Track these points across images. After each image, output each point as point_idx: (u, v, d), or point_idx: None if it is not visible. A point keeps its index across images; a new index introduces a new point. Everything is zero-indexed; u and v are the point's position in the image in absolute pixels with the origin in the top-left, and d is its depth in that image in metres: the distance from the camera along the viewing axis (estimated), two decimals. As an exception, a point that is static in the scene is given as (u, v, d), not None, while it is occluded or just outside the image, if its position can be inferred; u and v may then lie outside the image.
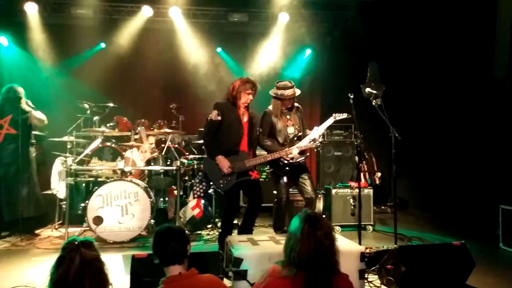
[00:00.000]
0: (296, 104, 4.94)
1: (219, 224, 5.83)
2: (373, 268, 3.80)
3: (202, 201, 5.86)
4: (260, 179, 6.08)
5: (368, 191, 6.04)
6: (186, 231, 5.53)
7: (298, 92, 4.82)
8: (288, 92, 4.73)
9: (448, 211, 6.72)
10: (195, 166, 6.39)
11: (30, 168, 5.75)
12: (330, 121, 4.83)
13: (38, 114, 5.77)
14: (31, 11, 7.80)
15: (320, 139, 4.82)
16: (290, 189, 5.08)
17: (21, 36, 7.96)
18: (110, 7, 8.10)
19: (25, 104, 5.71)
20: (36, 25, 7.92)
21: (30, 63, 8.02)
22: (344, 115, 4.82)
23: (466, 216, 6.20)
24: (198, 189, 5.97)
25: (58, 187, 6.02)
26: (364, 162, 8.04)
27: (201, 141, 6.65)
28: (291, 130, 4.83)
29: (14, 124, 5.58)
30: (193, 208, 5.76)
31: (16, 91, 5.69)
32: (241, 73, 8.11)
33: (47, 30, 8.02)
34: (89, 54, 8.37)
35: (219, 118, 4.38)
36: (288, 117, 4.86)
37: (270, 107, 4.87)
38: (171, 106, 7.42)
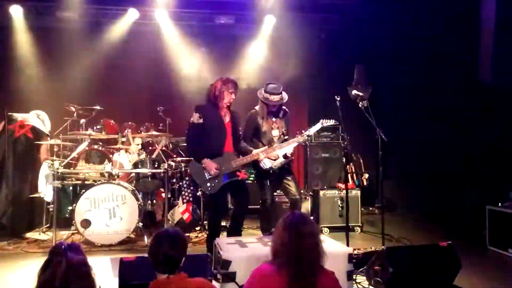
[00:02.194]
0: (283, 108, 4.94)
1: (207, 227, 5.82)
2: (361, 269, 3.83)
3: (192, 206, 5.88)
4: (248, 181, 6.10)
5: (356, 193, 6.09)
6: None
7: (285, 98, 4.76)
8: (274, 98, 4.67)
9: (435, 212, 6.80)
10: (183, 169, 6.38)
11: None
12: (317, 127, 4.79)
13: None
14: (16, 14, 7.72)
15: (308, 132, 4.75)
16: (277, 191, 5.10)
17: (6, 40, 7.86)
18: (95, 10, 8.03)
19: (45, 128, 6.28)
20: (21, 28, 7.83)
21: (14, 67, 7.90)
22: (332, 122, 4.77)
23: (453, 217, 6.28)
24: (186, 193, 5.96)
25: (45, 191, 5.95)
26: (351, 163, 8.10)
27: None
28: (275, 132, 4.80)
29: (33, 132, 6.07)
30: (182, 212, 5.77)
31: (41, 114, 6.37)
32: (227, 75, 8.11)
33: (33, 33, 7.94)
34: (75, 57, 8.29)
35: (201, 120, 4.36)
36: (274, 119, 4.85)
37: (257, 108, 4.86)
38: (158, 109, 7.40)
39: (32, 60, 7.96)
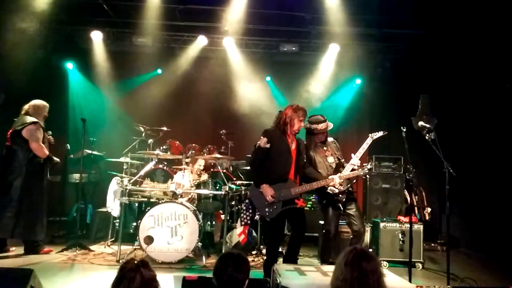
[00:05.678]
0: (330, 138, 4.94)
1: (264, 251, 5.84)
2: (424, 308, 3.68)
3: (248, 229, 5.94)
4: (305, 208, 6.06)
5: (418, 227, 5.84)
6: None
7: (330, 125, 4.81)
8: (321, 126, 4.72)
9: (504, 251, 6.36)
10: (242, 192, 6.49)
11: (18, 189, 5.27)
12: (368, 142, 4.76)
13: (38, 133, 5.20)
14: (96, 38, 8.36)
15: (369, 166, 4.73)
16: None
17: (86, 62, 8.51)
18: (168, 36, 8.52)
19: (31, 118, 5.29)
20: (100, 52, 8.45)
21: (91, 87, 8.52)
22: (380, 133, 4.76)
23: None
24: (245, 216, 6.04)
25: (113, 206, 6.25)
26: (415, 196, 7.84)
27: (248, 167, 6.73)
28: (331, 159, 4.81)
29: (18, 135, 5.25)
30: (239, 234, 5.84)
31: (33, 104, 5.39)
32: (288, 103, 8.24)
33: (109, 56, 8.54)
34: (146, 80, 8.81)
35: (268, 145, 4.40)
36: (325, 148, 4.86)
37: (304, 141, 4.90)
38: (221, 132, 7.62)
39: (107, 81, 8.55)
